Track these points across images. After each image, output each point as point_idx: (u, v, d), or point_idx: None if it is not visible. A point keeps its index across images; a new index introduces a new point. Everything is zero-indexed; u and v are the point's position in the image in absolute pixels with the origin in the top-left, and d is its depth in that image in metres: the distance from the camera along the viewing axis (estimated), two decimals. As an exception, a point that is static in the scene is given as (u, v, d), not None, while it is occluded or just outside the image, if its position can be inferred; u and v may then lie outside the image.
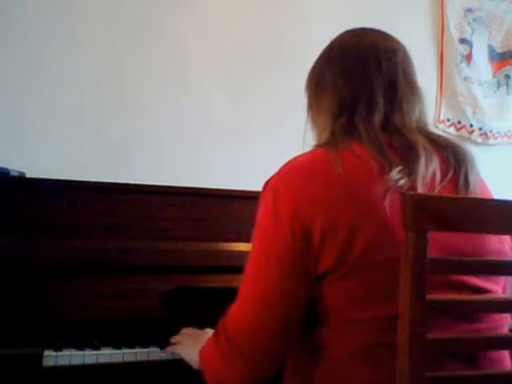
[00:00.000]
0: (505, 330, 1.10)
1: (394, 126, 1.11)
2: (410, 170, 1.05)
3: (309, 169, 1.07)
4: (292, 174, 1.07)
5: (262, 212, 1.08)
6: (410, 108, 1.15)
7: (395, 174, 1.03)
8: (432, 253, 0.94)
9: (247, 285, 1.08)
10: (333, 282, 1.02)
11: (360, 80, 1.14)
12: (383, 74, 1.14)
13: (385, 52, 1.16)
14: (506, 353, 1.09)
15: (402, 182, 1.02)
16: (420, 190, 1.03)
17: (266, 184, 1.09)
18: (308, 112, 1.24)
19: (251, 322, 1.06)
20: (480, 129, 2.72)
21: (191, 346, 1.29)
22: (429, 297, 0.93)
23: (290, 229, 1.02)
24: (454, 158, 1.11)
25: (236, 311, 1.09)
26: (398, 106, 1.13)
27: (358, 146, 1.08)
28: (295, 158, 1.10)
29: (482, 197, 1.12)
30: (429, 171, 1.06)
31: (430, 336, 0.93)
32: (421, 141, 1.09)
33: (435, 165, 1.07)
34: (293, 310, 1.04)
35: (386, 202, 1.00)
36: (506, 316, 1.10)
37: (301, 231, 1.02)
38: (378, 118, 1.11)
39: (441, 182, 1.07)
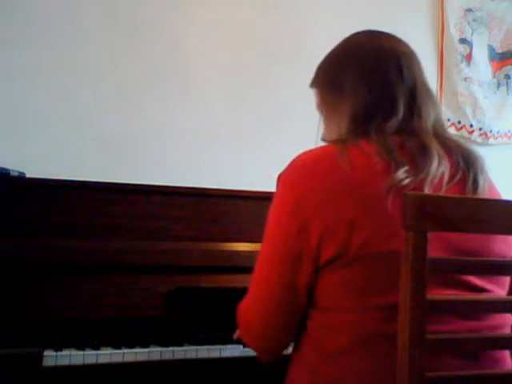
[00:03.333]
0: (507, 329, 1.10)
1: (411, 130, 1.13)
2: (419, 170, 1.06)
3: (312, 165, 1.09)
4: (297, 170, 1.11)
5: (272, 205, 1.13)
6: (428, 114, 1.16)
7: (401, 173, 1.04)
8: (437, 251, 0.95)
9: (254, 275, 1.14)
10: (334, 271, 1.04)
11: (382, 87, 1.14)
12: (404, 82, 1.15)
13: (404, 58, 1.17)
14: (507, 353, 1.09)
15: (407, 181, 1.04)
16: (426, 191, 1.04)
17: (278, 178, 1.14)
18: (321, 109, 1.23)
19: (256, 308, 1.13)
20: (480, 129, 2.72)
21: None
22: (429, 296, 0.93)
23: (288, 224, 1.07)
24: (463, 161, 1.12)
25: (246, 297, 1.16)
26: (417, 113, 1.15)
27: (366, 144, 1.09)
28: (302, 154, 1.13)
29: (490, 198, 1.13)
30: (438, 173, 1.07)
31: (430, 335, 0.93)
32: (434, 143, 1.11)
33: (444, 167, 1.08)
34: (290, 298, 1.09)
35: (389, 199, 1.01)
36: (509, 315, 1.10)
37: (298, 227, 1.05)
38: (394, 124, 1.12)
39: (448, 183, 1.08)
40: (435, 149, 1.09)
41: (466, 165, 1.12)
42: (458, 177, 1.10)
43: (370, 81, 1.15)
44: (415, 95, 1.15)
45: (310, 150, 1.13)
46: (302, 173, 1.09)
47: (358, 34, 1.23)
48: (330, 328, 1.06)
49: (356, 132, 1.13)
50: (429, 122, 1.15)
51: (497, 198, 1.17)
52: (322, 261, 1.04)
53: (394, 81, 1.15)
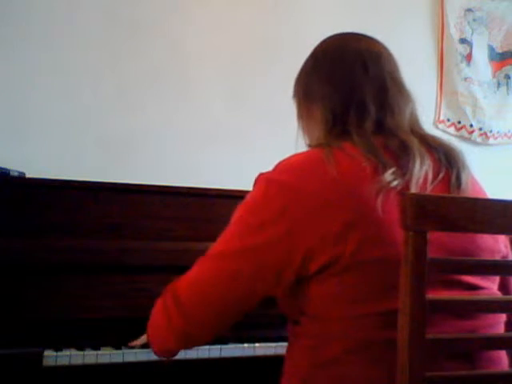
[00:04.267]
0: (500, 327, 1.10)
1: (388, 129, 1.12)
2: (404, 171, 1.05)
3: (302, 168, 1.07)
4: (286, 172, 1.07)
5: (250, 200, 1.08)
6: (401, 110, 1.15)
7: (388, 175, 1.03)
8: (430, 251, 0.95)
9: (212, 258, 1.09)
10: (327, 279, 1.02)
11: (349, 88, 1.14)
12: (371, 80, 1.15)
13: (370, 56, 1.17)
14: (503, 353, 1.09)
15: (395, 183, 1.03)
16: (413, 190, 1.04)
17: (259, 177, 1.10)
18: (298, 120, 1.25)
19: (202, 293, 1.07)
20: (480, 129, 2.72)
21: None
22: (429, 296, 0.93)
23: (275, 227, 1.02)
24: (445, 158, 1.12)
25: (193, 276, 1.10)
26: (390, 110, 1.14)
27: (350, 146, 1.08)
28: (289, 158, 1.10)
29: (473, 195, 1.12)
30: (422, 172, 1.06)
31: (429, 335, 0.93)
32: (414, 142, 1.10)
33: (427, 166, 1.08)
34: (248, 296, 1.06)
35: (378, 202, 1.00)
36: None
37: (286, 231, 1.02)
38: (370, 123, 1.11)
39: (432, 182, 1.07)
40: (416, 147, 1.09)
41: (448, 161, 1.11)
42: (441, 175, 1.09)
43: (335, 84, 1.15)
44: (385, 92, 1.14)
45: (296, 154, 1.11)
46: (292, 175, 1.06)
47: (325, 40, 1.24)
48: (324, 336, 1.04)
49: (334, 133, 1.12)
50: (404, 119, 1.15)
51: (480, 193, 1.17)
52: (311, 270, 1.02)
53: (359, 80, 1.14)
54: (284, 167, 1.09)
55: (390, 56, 1.20)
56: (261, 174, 1.10)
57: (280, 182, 1.06)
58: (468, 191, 1.11)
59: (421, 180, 1.06)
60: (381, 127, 1.12)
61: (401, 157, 1.07)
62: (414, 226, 0.92)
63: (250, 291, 1.06)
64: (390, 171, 1.04)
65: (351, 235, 0.99)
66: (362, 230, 1.00)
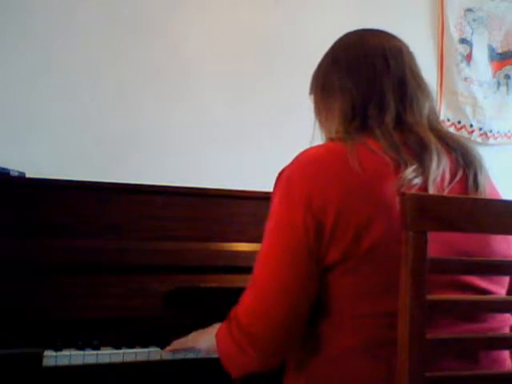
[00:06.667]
0: (507, 331, 1.09)
1: (407, 125, 1.12)
2: (423, 168, 1.05)
3: (323, 159, 1.07)
4: (306, 163, 1.07)
5: (276, 201, 1.08)
6: (420, 105, 1.15)
7: (409, 172, 1.03)
8: (437, 252, 0.95)
9: (260, 274, 1.08)
10: (338, 276, 1.02)
11: (369, 81, 1.14)
12: (392, 74, 1.15)
13: (390, 51, 1.17)
14: (507, 353, 1.09)
15: (416, 180, 1.03)
16: (431, 190, 1.04)
17: (281, 173, 1.10)
18: (316, 116, 1.24)
19: (264, 311, 1.06)
20: (480, 129, 2.72)
21: (201, 336, 1.31)
22: (429, 297, 0.93)
23: (303, 219, 1.02)
24: (463, 159, 1.11)
25: (248, 300, 1.09)
26: (409, 105, 1.14)
27: (373, 142, 1.08)
28: (310, 149, 1.11)
29: (491, 198, 1.12)
30: (439, 171, 1.06)
31: (429, 335, 0.93)
32: (432, 139, 1.10)
33: (445, 165, 1.08)
34: (303, 299, 1.04)
35: (398, 200, 1.00)
36: (509, 317, 1.10)
37: (313, 221, 1.02)
38: (390, 117, 1.11)
39: (450, 182, 1.07)
40: (433, 145, 1.09)
41: (465, 163, 1.11)
42: (459, 175, 1.09)
43: (356, 78, 1.15)
44: (405, 87, 1.15)
45: (316, 146, 1.11)
46: (312, 167, 1.06)
47: (344, 36, 1.24)
48: (329, 334, 1.04)
49: (353, 127, 1.12)
50: (423, 114, 1.15)
51: (496, 196, 1.17)
52: (327, 262, 1.02)
53: (380, 74, 1.14)
54: (305, 159, 1.09)
55: (409, 51, 1.20)
56: (282, 171, 1.10)
57: (302, 176, 1.06)
58: (486, 194, 1.11)
59: (438, 179, 1.05)
60: (400, 122, 1.12)
61: (419, 154, 1.07)
62: (414, 225, 0.92)
63: (303, 288, 1.04)
64: (411, 169, 1.04)
65: (367, 233, 0.99)
66: (378, 228, 1.00)
